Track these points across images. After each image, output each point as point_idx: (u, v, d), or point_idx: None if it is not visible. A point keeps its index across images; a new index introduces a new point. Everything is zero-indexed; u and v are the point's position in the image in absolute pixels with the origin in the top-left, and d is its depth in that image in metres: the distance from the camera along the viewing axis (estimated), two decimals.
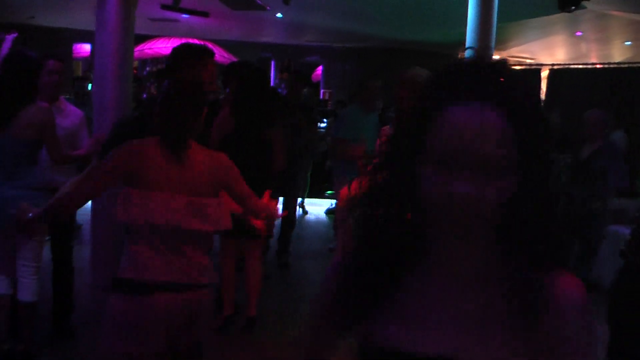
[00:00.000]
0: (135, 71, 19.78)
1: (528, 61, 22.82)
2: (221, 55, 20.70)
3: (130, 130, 4.45)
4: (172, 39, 20.48)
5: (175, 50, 5.20)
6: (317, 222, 13.01)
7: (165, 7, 15.17)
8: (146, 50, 20.02)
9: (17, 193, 5.41)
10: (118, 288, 3.65)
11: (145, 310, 3.57)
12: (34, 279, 5.68)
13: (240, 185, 4.06)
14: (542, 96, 19.95)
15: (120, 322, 3.60)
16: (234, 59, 19.25)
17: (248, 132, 6.74)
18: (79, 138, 6.43)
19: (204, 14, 16.91)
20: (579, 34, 17.84)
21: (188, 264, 3.69)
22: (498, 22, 10.90)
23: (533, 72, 22.30)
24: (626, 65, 18.83)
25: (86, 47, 23.57)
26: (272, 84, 24.37)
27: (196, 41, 17.69)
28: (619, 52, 21.26)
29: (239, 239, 6.79)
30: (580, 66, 20.72)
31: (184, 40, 18.52)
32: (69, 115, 6.37)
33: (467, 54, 7.43)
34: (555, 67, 21.96)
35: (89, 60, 24.01)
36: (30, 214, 4.01)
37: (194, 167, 3.78)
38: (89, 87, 20.39)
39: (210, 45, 20.21)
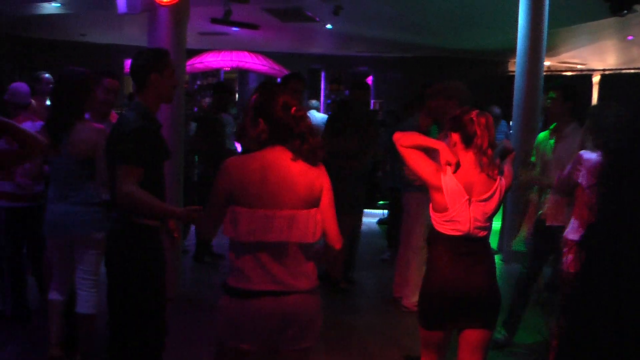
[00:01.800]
0: (186, 85, 19.94)
1: (579, 67, 22.60)
2: (271, 67, 20.79)
3: (140, 135, 4.67)
4: (222, 52, 20.61)
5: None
6: (369, 233, 12.96)
7: (215, 20, 15.28)
8: (197, 65, 20.14)
9: (73, 209, 5.62)
10: (226, 291, 3.97)
11: (246, 312, 3.87)
12: (92, 291, 5.82)
13: (330, 204, 4.10)
14: (594, 102, 19.77)
15: (227, 320, 3.95)
16: (285, 71, 19.33)
17: None
18: None
19: (253, 27, 17.00)
20: (630, 38, 17.61)
21: (287, 273, 3.91)
22: (549, 27, 10.85)
23: (584, 78, 22.09)
24: None
25: None
26: (322, 95, 24.42)
27: (247, 54, 17.74)
28: None
29: None
30: (632, 71, 20.49)
31: (234, 53, 18.64)
32: None
33: (517, 62, 7.41)
34: (607, 72, 21.73)
35: None
36: None
37: (291, 179, 3.91)
38: None
39: (260, 57, 20.37)
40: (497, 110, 11.53)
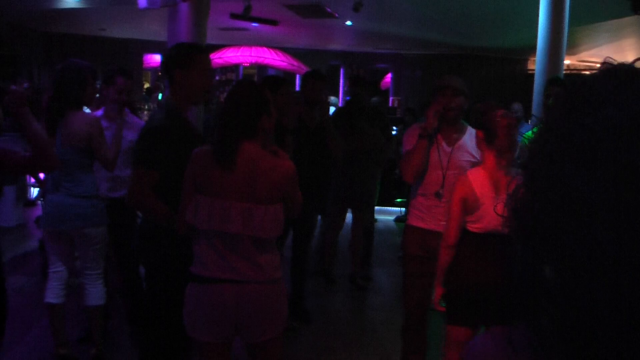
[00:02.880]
0: None
1: (598, 66, 22.49)
2: (290, 64, 20.80)
3: (157, 136, 4.58)
4: (241, 47, 20.64)
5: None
6: (387, 230, 12.96)
7: (234, 16, 15.29)
8: (216, 60, 20.15)
9: (69, 201, 5.64)
10: (190, 279, 4.06)
11: (203, 298, 3.98)
12: (98, 284, 5.87)
13: (295, 194, 4.16)
14: None
15: (187, 309, 4.04)
16: (303, 67, 19.33)
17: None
18: None
19: (273, 23, 17.01)
20: None
21: (244, 263, 3.96)
22: (569, 26, 10.80)
23: None
24: None
25: (156, 58, 23.88)
26: (341, 91, 24.40)
27: (266, 49, 17.76)
28: None
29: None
30: None
31: (253, 49, 18.68)
32: (133, 126, 6.46)
33: (537, 60, 7.35)
34: None
35: (158, 71, 24.31)
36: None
37: (253, 173, 3.94)
38: (160, 97, 20.71)
39: (279, 53, 20.40)
40: (517, 106, 11.47)
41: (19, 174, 4.58)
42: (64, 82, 5.66)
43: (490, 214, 4.52)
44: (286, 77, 7.88)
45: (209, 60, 4.84)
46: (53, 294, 5.84)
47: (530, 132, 6.85)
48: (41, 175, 8.91)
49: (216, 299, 3.93)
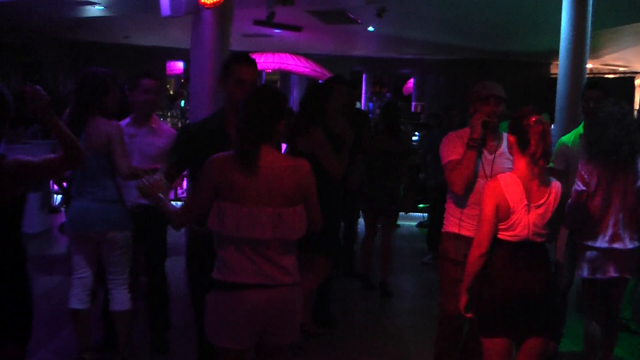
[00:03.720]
0: None
1: (621, 69, 22.42)
2: (313, 70, 20.84)
3: (192, 138, 4.70)
4: (264, 54, 20.69)
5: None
6: (410, 236, 12.94)
7: (258, 22, 15.35)
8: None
9: (92, 206, 5.65)
10: (213, 287, 4.05)
11: (232, 305, 3.97)
12: (124, 289, 5.86)
13: (314, 196, 4.21)
14: (636, 104, 19.56)
15: (214, 317, 4.04)
16: (327, 73, 19.37)
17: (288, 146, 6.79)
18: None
19: (296, 29, 17.07)
20: None
21: (272, 267, 4.00)
22: (592, 29, 10.77)
23: (626, 80, 21.89)
24: None
25: (179, 65, 23.98)
26: (363, 97, 24.41)
27: (289, 56, 17.75)
28: None
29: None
30: None
31: (277, 55, 18.71)
32: (163, 134, 6.43)
33: (560, 64, 7.24)
34: None
35: (181, 78, 24.41)
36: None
37: (276, 176, 4.00)
38: (182, 103, 20.80)
39: (302, 59, 20.45)
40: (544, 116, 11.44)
41: (50, 175, 4.56)
42: (84, 89, 5.69)
43: (522, 223, 4.44)
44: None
45: (247, 71, 4.76)
46: (78, 300, 5.83)
47: (569, 136, 6.76)
48: (64, 183, 8.99)
49: (248, 305, 3.95)
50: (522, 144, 4.47)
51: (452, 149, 5.23)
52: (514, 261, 4.48)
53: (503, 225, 4.50)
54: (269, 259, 4.00)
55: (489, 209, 4.51)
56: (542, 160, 4.44)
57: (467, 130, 5.20)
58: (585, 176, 5.57)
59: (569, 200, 5.72)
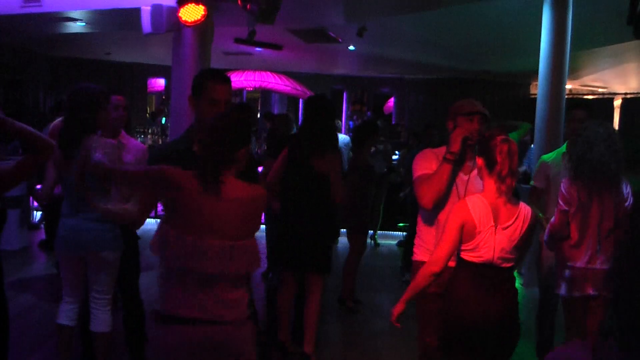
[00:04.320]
0: None
1: (600, 90, 22.56)
2: (294, 88, 20.86)
3: (161, 160, 4.31)
4: (245, 72, 20.71)
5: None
6: (390, 255, 12.95)
7: (239, 40, 15.36)
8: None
9: (85, 225, 5.57)
10: (154, 318, 3.79)
11: (171, 339, 3.69)
12: (106, 310, 5.76)
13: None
14: (615, 125, 19.69)
15: (154, 353, 3.77)
16: (307, 92, 19.40)
17: (299, 164, 6.69)
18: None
19: (277, 47, 17.09)
20: None
21: (215, 301, 3.73)
22: (571, 50, 10.84)
23: (605, 102, 22.03)
24: None
25: (160, 82, 23.96)
26: (343, 116, 24.45)
27: (270, 74, 17.78)
28: None
29: (298, 272, 6.86)
30: None
31: (257, 73, 18.71)
32: (132, 150, 6.25)
33: (540, 84, 7.23)
34: (629, 95, 21.66)
35: (162, 95, 24.39)
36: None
37: (232, 208, 3.75)
38: (163, 121, 20.78)
39: (283, 77, 20.47)
40: (526, 137, 11.47)
41: (26, 177, 4.40)
42: (76, 107, 5.57)
43: (488, 244, 4.39)
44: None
45: (222, 89, 4.52)
46: (66, 316, 5.76)
47: (551, 155, 6.79)
48: (44, 202, 8.91)
49: (184, 341, 3.69)
50: (489, 164, 4.45)
51: (425, 164, 5.03)
52: (478, 284, 4.41)
53: (468, 245, 4.44)
54: (213, 294, 3.72)
55: (452, 228, 4.44)
56: (508, 178, 4.39)
57: (443, 148, 5.00)
58: (567, 195, 5.57)
59: (552, 220, 5.75)
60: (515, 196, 4.56)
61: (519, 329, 4.58)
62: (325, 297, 9.29)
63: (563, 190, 5.61)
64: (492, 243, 4.39)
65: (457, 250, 4.51)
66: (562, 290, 5.73)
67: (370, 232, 13.12)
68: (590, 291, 5.61)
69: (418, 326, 5.27)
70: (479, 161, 4.53)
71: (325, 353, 7.37)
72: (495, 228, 4.39)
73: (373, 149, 11.47)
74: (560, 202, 5.62)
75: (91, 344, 5.97)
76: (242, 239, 3.78)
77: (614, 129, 5.71)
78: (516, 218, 4.42)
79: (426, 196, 4.88)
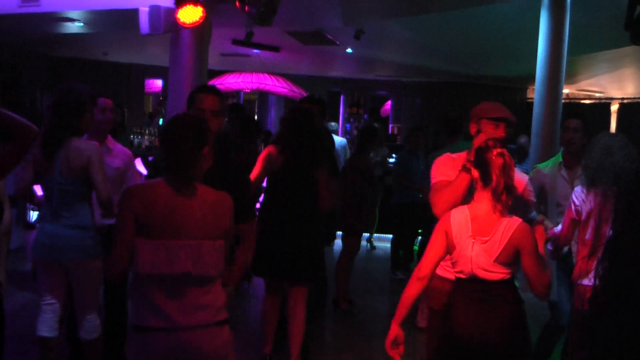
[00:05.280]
0: None
1: (597, 95, 22.57)
2: (291, 90, 20.85)
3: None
4: (243, 74, 20.69)
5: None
6: (384, 256, 12.95)
7: (236, 42, 15.38)
8: (217, 86, 20.15)
9: (65, 232, 5.40)
10: (130, 328, 3.86)
11: (141, 349, 3.79)
12: (92, 317, 5.60)
13: (232, 228, 4.08)
14: (612, 130, 19.70)
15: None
16: (304, 94, 19.40)
17: (297, 171, 6.59)
18: (127, 178, 6.24)
19: (274, 49, 17.09)
20: None
21: (180, 309, 3.77)
22: (568, 55, 10.85)
23: (602, 107, 22.04)
24: None
25: (157, 83, 23.94)
26: (340, 118, 24.45)
27: (267, 76, 17.74)
28: None
29: (282, 281, 6.76)
30: None
31: (255, 75, 18.71)
32: (118, 154, 6.24)
33: (536, 89, 7.16)
34: (625, 101, 21.68)
35: (159, 96, 24.37)
36: None
37: (198, 209, 3.84)
38: (160, 121, 20.76)
39: (280, 79, 20.47)
40: (524, 139, 11.46)
41: (7, 167, 4.24)
42: (61, 107, 5.43)
43: (465, 256, 4.26)
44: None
45: (207, 99, 4.88)
46: (46, 327, 5.55)
47: (546, 163, 6.67)
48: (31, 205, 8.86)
49: (153, 350, 3.76)
50: (484, 178, 4.31)
51: (442, 170, 4.91)
52: (471, 301, 4.30)
53: (452, 259, 4.35)
54: (183, 299, 3.79)
55: (436, 235, 4.37)
56: (504, 195, 4.25)
57: (463, 154, 4.91)
58: (577, 203, 5.46)
59: (557, 230, 5.68)
60: None
61: (526, 346, 4.43)
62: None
63: (574, 199, 5.50)
64: (468, 256, 4.26)
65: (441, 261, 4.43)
66: (579, 306, 5.47)
67: (367, 235, 13.15)
68: None
69: (426, 348, 5.17)
70: (474, 173, 4.37)
71: (319, 356, 7.36)
72: (472, 240, 4.26)
73: (372, 153, 11.48)
74: (572, 211, 5.51)
75: (79, 347, 5.86)
76: (209, 239, 3.83)
77: (628, 140, 5.63)
78: (495, 232, 4.26)
79: (439, 205, 4.72)
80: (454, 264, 4.35)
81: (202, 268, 3.79)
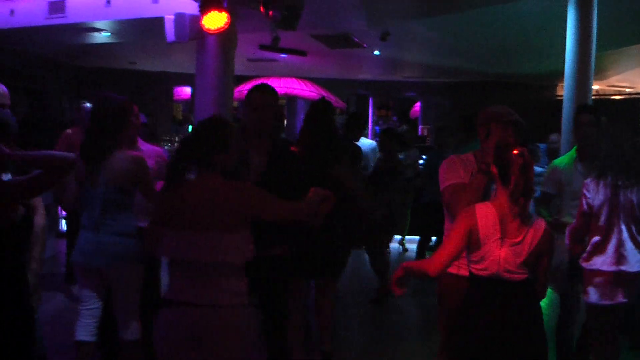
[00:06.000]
0: (234, 111, 20.03)
1: (628, 90, 22.38)
2: (319, 94, 20.85)
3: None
4: (270, 78, 20.69)
5: None
6: (414, 258, 12.91)
7: (263, 47, 15.40)
8: (245, 91, 20.19)
9: (108, 239, 5.41)
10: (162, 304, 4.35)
11: (169, 321, 4.25)
12: (133, 317, 5.58)
13: (271, 208, 4.43)
14: None
15: (157, 334, 4.31)
16: (332, 97, 19.40)
17: (314, 170, 6.50)
18: (162, 177, 6.32)
19: (301, 53, 17.10)
20: None
21: (211, 287, 4.21)
22: (596, 50, 10.75)
23: (633, 102, 21.84)
24: None
25: (186, 90, 24.02)
26: (370, 121, 24.43)
27: (295, 80, 17.77)
28: None
29: (309, 278, 6.88)
30: None
31: (282, 80, 18.77)
32: (150, 155, 6.23)
33: (565, 86, 7.15)
34: None
35: (189, 103, 24.45)
36: None
37: (217, 201, 4.24)
38: (190, 128, 20.82)
39: (308, 83, 20.48)
40: (554, 137, 11.31)
41: (38, 193, 4.31)
42: (100, 118, 5.44)
43: (493, 256, 4.22)
44: None
45: (259, 97, 5.46)
46: (85, 332, 5.57)
47: (562, 159, 6.70)
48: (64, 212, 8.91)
49: (181, 321, 4.18)
50: (503, 178, 4.29)
51: (454, 172, 4.94)
52: (489, 301, 4.27)
53: (475, 256, 4.29)
54: (210, 280, 4.20)
55: (458, 233, 4.30)
56: (522, 198, 4.22)
57: (469, 155, 4.98)
58: (589, 195, 5.50)
59: (573, 224, 5.69)
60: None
61: (542, 347, 4.39)
62: (348, 300, 9.31)
63: (585, 191, 5.53)
64: (496, 257, 4.23)
65: (458, 259, 4.43)
66: (592, 298, 5.56)
67: (399, 237, 13.12)
68: (621, 298, 5.50)
69: (445, 346, 5.10)
70: (493, 169, 4.36)
71: (347, 357, 7.36)
72: (502, 241, 4.23)
73: (402, 155, 11.45)
74: (583, 204, 5.54)
75: (113, 354, 5.89)
76: (229, 230, 4.23)
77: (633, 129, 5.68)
78: (525, 235, 4.24)
79: (460, 207, 4.66)
80: (477, 262, 4.29)
81: (223, 256, 4.21)
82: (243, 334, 4.28)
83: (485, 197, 4.60)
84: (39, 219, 5.07)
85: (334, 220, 6.67)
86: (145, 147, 6.41)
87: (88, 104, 9.38)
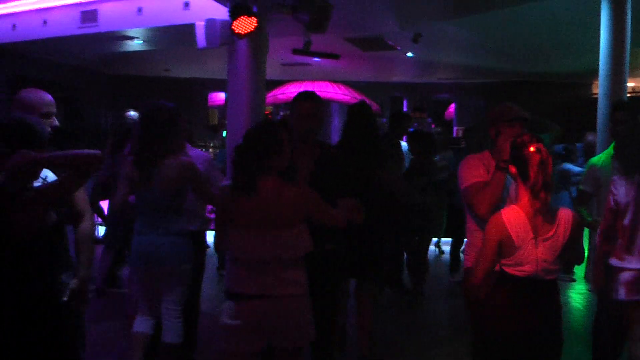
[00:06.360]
0: (270, 116, 20.09)
1: None
2: (353, 97, 20.82)
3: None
4: (304, 82, 20.71)
5: None
6: (446, 261, 12.85)
7: (296, 51, 15.38)
8: (279, 96, 20.19)
9: (161, 240, 5.63)
10: (227, 296, 4.77)
11: (241, 312, 4.63)
12: (179, 321, 5.78)
13: (323, 212, 4.87)
14: None
15: (226, 322, 4.67)
16: (367, 100, 19.34)
17: (359, 175, 6.63)
18: (212, 179, 6.53)
19: (334, 57, 17.06)
20: None
21: (275, 281, 4.63)
22: (631, 47, 10.65)
23: None
24: None
25: (221, 96, 24.10)
26: None
27: (328, 84, 17.76)
28: None
29: (350, 277, 7.01)
30: None
31: (316, 84, 18.79)
32: (198, 160, 6.36)
33: (600, 84, 7.15)
34: None
35: (223, 108, 24.55)
36: None
37: (279, 202, 4.65)
38: (224, 134, 20.91)
39: (342, 87, 20.45)
40: (591, 137, 11.22)
41: (68, 193, 4.37)
42: (151, 126, 5.61)
43: (530, 258, 4.25)
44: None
45: (305, 105, 5.73)
46: (144, 325, 5.82)
47: (599, 157, 6.65)
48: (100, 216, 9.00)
49: (250, 312, 4.61)
50: (522, 175, 4.33)
51: (474, 171, 5.02)
52: (519, 298, 4.29)
53: (509, 261, 4.30)
54: (272, 274, 4.63)
55: (490, 246, 4.33)
56: (542, 192, 4.25)
57: (486, 153, 5.09)
58: (617, 193, 5.48)
59: (602, 221, 5.67)
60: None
61: (560, 344, 4.46)
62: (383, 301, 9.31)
63: (613, 188, 5.53)
64: (534, 257, 4.26)
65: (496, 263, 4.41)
66: (621, 295, 5.54)
67: (435, 239, 13.07)
68: None
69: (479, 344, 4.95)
70: (512, 169, 4.44)
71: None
72: (536, 240, 4.26)
73: (437, 156, 11.43)
74: (610, 200, 5.54)
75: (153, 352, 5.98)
76: (289, 227, 4.68)
77: None
78: (557, 228, 4.29)
79: (483, 205, 4.84)
80: (513, 265, 4.30)
81: (286, 251, 4.66)
82: (305, 321, 4.76)
83: (503, 195, 4.75)
84: (86, 225, 5.13)
85: (379, 223, 6.71)
86: (193, 152, 6.61)
87: (132, 112, 9.47)
